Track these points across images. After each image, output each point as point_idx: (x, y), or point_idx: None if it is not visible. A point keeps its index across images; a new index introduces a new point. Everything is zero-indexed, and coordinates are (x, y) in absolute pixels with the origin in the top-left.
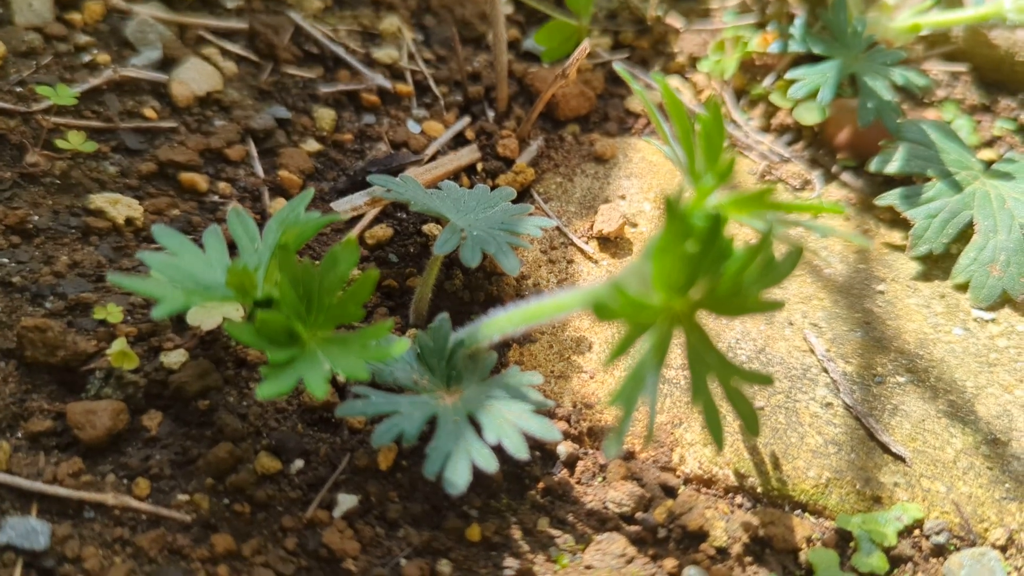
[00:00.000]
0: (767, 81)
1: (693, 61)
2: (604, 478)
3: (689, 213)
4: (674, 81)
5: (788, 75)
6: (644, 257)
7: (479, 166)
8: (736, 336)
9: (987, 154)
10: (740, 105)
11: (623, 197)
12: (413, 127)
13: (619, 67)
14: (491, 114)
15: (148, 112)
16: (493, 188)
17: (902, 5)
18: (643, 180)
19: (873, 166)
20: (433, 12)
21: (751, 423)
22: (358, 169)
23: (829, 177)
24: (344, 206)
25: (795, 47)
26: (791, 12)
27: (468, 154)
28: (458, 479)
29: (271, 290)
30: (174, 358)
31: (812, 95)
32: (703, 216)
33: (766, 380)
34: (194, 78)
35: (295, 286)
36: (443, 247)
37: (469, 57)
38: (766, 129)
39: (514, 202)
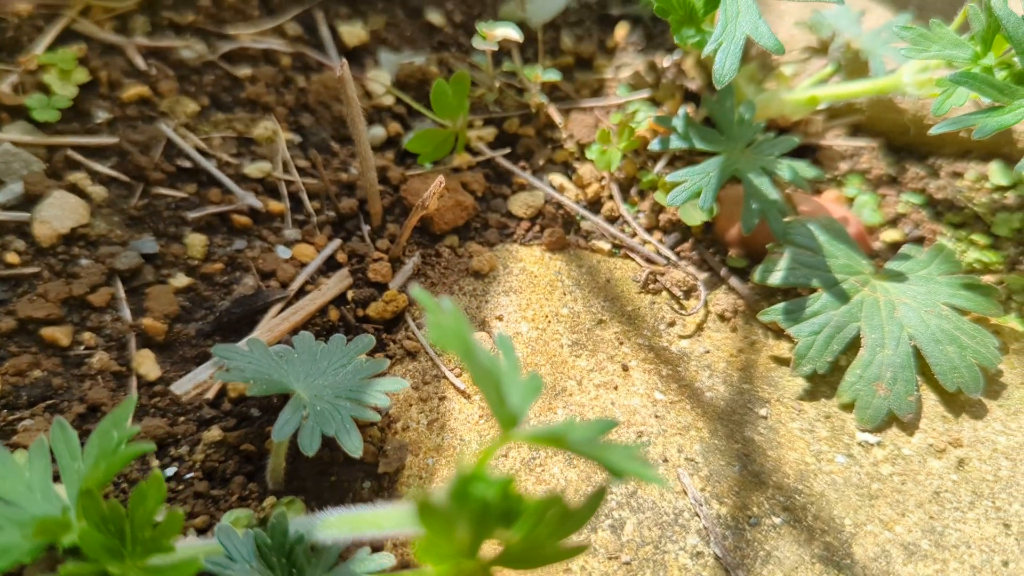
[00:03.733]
0: (659, 166)
1: (582, 148)
2: None
3: (475, 476)
4: (558, 177)
5: (669, 177)
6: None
7: (349, 294)
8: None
9: (891, 234)
10: (629, 197)
11: (500, 318)
12: (283, 252)
13: (416, 291)
14: (366, 228)
15: (11, 257)
16: (362, 319)
17: (801, 73)
18: (522, 296)
19: (757, 277)
20: (310, 110)
21: None
22: (223, 310)
23: (717, 281)
24: (187, 386)
25: (677, 143)
26: (685, 86)
27: (337, 283)
28: None
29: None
30: None
31: (695, 196)
32: (483, 485)
33: None
34: (57, 215)
35: (104, 527)
36: (282, 432)
37: (345, 161)
38: (654, 226)
39: (387, 325)
